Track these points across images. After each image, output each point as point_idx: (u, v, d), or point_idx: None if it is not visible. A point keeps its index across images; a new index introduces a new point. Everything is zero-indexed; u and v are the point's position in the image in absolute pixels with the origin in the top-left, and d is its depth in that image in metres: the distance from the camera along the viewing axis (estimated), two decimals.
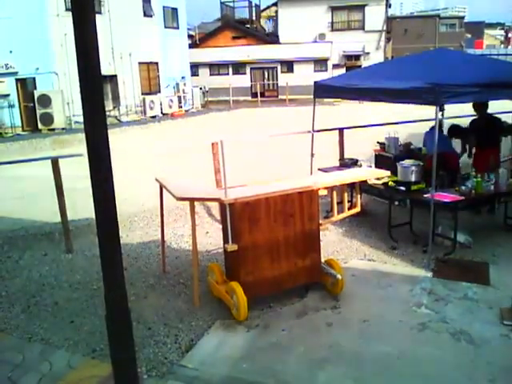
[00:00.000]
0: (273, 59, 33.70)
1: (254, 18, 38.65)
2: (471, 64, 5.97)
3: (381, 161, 6.94)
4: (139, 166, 11.42)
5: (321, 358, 3.73)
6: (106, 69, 19.91)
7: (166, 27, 26.89)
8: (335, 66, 32.68)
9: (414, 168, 5.77)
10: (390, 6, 36.02)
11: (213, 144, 7.03)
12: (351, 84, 6.35)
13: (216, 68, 35.17)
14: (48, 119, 19.51)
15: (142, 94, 24.60)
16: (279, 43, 34.29)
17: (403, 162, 5.95)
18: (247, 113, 25.75)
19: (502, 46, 60.91)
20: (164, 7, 26.65)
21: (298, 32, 32.81)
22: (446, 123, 7.62)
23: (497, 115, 6.99)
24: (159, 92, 25.97)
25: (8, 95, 19.73)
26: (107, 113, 18.29)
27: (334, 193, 5.04)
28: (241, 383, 3.49)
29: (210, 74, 35.10)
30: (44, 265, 5.80)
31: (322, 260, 4.80)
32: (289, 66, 33.90)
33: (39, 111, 19.48)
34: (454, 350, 3.78)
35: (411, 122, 9.01)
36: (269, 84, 34.66)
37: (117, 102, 22.88)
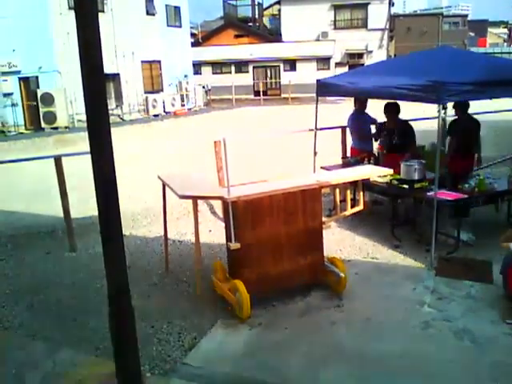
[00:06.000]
0: (275, 57, 33.68)
1: (256, 16, 38.67)
2: (474, 62, 5.94)
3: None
4: (142, 164, 11.42)
5: (324, 356, 3.73)
6: (108, 67, 19.89)
7: (168, 26, 26.87)
8: (338, 65, 32.66)
9: (417, 166, 5.76)
10: (393, 4, 35.91)
11: (215, 142, 7.03)
12: (354, 82, 6.34)
13: (219, 66, 35.18)
14: (51, 118, 19.53)
15: (145, 92, 24.61)
16: (282, 41, 34.27)
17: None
18: (250, 111, 25.71)
19: (506, 44, 60.63)
20: (166, 5, 26.62)
21: (301, 30, 32.79)
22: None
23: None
24: (162, 90, 25.98)
25: (11, 94, 19.77)
26: (110, 111, 18.26)
27: (337, 191, 5.03)
28: (243, 381, 3.50)
29: (213, 73, 35.12)
30: (47, 263, 5.82)
31: (325, 258, 4.80)
32: (291, 64, 33.88)
33: (42, 110, 19.50)
34: (457, 349, 3.77)
35: None
36: (271, 82, 34.66)
37: (119, 101, 22.90)
